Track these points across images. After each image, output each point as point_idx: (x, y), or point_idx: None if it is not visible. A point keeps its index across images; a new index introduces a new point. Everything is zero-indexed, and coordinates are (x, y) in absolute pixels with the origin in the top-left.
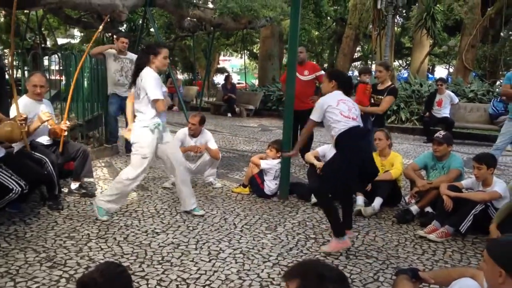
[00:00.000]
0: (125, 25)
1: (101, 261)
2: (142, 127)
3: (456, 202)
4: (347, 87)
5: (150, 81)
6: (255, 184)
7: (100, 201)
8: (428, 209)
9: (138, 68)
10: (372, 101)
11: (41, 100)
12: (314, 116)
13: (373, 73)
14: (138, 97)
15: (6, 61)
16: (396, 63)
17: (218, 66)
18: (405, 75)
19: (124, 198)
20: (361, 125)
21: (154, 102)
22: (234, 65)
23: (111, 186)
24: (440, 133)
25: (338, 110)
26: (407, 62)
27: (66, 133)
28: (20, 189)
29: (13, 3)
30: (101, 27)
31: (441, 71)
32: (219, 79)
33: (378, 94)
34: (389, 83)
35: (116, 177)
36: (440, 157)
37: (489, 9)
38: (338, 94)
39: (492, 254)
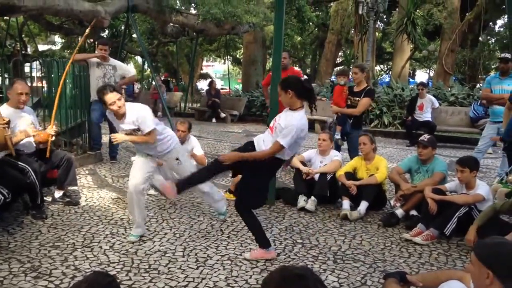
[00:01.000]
0: (107, 31)
1: (87, 270)
2: None
3: (440, 205)
4: (306, 95)
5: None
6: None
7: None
8: (413, 212)
9: None
10: (349, 102)
11: (23, 108)
12: (285, 144)
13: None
14: None
15: None
16: (377, 68)
17: (202, 71)
18: (387, 79)
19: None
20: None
21: None
22: (217, 70)
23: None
24: (425, 137)
25: (292, 146)
26: (389, 66)
27: (53, 138)
28: (2, 197)
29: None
30: (85, 34)
31: (421, 76)
32: (202, 84)
33: (355, 96)
34: (365, 84)
35: None
36: (424, 160)
37: (467, 14)
38: (306, 122)
39: (479, 256)
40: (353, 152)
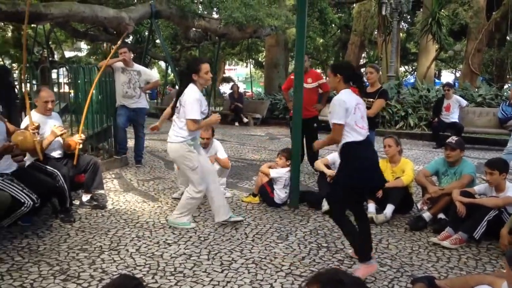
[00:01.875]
0: (131, 37)
1: (114, 273)
2: (179, 143)
3: (469, 208)
4: (355, 80)
5: (189, 100)
6: (265, 193)
7: (175, 219)
8: (441, 215)
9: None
10: None
11: (50, 114)
12: (338, 119)
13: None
14: (179, 111)
15: (14, 75)
16: (402, 69)
17: (224, 75)
18: (412, 80)
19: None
20: (368, 134)
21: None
22: (239, 74)
23: (182, 204)
24: (453, 139)
25: (353, 120)
26: (413, 67)
27: (80, 146)
28: (31, 202)
29: (19, 18)
30: (119, 43)
31: (447, 76)
32: (225, 88)
33: (368, 97)
34: (379, 85)
35: (183, 196)
36: (452, 162)
37: (494, 13)
38: (352, 95)
39: (509, 261)
40: None
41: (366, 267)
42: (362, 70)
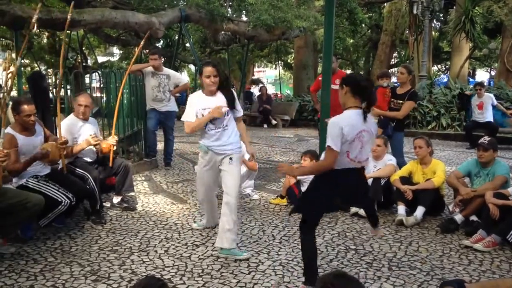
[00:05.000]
0: (162, 41)
1: (143, 274)
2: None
3: (502, 210)
4: (363, 93)
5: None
6: (292, 194)
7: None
8: (473, 217)
9: None
10: (392, 105)
11: (86, 119)
12: (333, 144)
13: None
14: None
15: (50, 80)
16: (435, 68)
17: (253, 77)
18: (445, 80)
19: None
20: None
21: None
22: (269, 76)
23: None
24: (485, 139)
25: (346, 149)
26: (446, 66)
27: (115, 148)
28: (68, 201)
29: (54, 25)
30: (141, 44)
31: (482, 75)
32: (254, 90)
33: (398, 99)
34: (409, 87)
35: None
36: (485, 163)
37: None
38: (357, 121)
39: None
40: (395, 155)
41: None
42: (394, 70)
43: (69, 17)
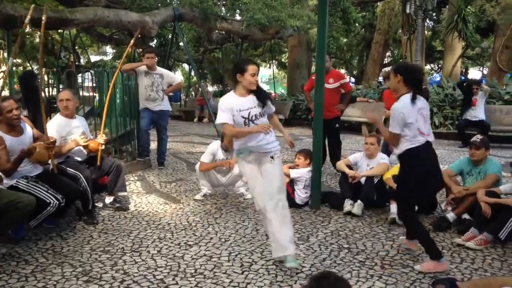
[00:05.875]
0: (155, 41)
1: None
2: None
3: (494, 208)
4: (416, 82)
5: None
6: (286, 193)
7: (280, 255)
8: (465, 216)
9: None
10: None
11: (72, 116)
12: (395, 129)
13: None
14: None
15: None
16: (427, 67)
17: None
18: (438, 79)
19: (281, 225)
20: (432, 139)
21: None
22: (263, 75)
23: (270, 236)
24: (478, 137)
25: (416, 126)
26: (439, 65)
27: (103, 147)
28: (57, 202)
29: (44, 25)
30: (131, 42)
31: (474, 74)
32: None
33: None
34: None
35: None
36: (477, 162)
37: None
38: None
39: None
40: None
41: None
42: (386, 69)
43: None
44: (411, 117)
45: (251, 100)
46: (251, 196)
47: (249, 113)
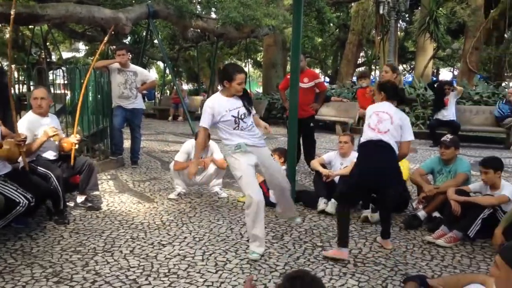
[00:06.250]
0: (129, 38)
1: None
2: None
3: (464, 206)
4: (396, 97)
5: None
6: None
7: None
8: (436, 214)
9: None
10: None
11: (45, 114)
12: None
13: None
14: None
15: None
16: (400, 68)
17: None
18: (410, 79)
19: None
20: (386, 139)
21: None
22: None
23: (286, 203)
24: (448, 137)
25: (367, 122)
26: (412, 66)
27: (76, 146)
28: (27, 202)
29: (14, 20)
30: (105, 39)
31: (445, 74)
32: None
33: None
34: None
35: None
36: (447, 160)
37: (492, 11)
38: (379, 106)
39: (508, 260)
40: None
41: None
42: (360, 69)
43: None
44: (368, 113)
45: (238, 100)
46: (243, 190)
47: (238, 112)
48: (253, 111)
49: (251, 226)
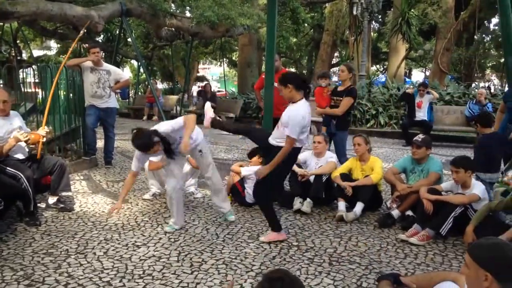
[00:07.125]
0: (102, 36)
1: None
2: None
3: (436, 205)
4: (305, 88)
5: None
6: (236, 192)
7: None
8: (409, 212)
9: None
10: (332, 103)
11: (7, 115)
12: (294, 134)
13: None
14: None
15: None
16: (373, 68)
17: (198, 74)
18: (383, 79)
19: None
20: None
21: None
22: (213, 73)
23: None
24: (419, 137)
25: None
26: (384, 66)
27: (44, 139)
28: None
29: None
30: (78, 38)
31: (418, 75)
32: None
33: (338, 96)
34: (349, 84)
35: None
36: (419, 160)
37: (462, 13)
38: (304, 108)
39: (476, 258)
40: (338, 155)
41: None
42: (335, 69)
43: None
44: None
45: None
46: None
47: None
48: None
49: None
